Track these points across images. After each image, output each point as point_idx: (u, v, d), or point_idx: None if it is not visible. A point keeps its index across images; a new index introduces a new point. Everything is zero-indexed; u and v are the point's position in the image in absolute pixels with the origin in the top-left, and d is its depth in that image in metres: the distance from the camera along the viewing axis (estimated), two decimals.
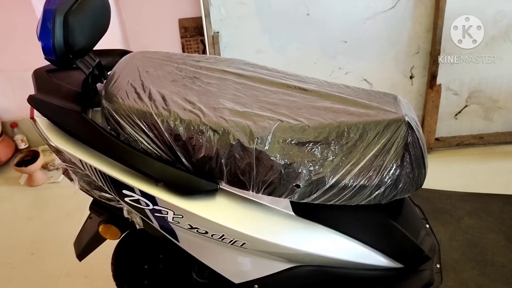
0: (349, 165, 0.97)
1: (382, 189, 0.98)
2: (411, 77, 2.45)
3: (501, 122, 2.54)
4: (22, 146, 2.84)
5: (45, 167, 2.69)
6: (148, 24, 2.85)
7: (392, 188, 0.99)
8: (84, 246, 1.35)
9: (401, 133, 0.98)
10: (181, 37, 2.88)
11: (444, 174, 2.36)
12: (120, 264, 1.46)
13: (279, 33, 2.39)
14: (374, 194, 0.99)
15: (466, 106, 2.49)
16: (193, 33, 2.86)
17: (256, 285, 1.12)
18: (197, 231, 1.01)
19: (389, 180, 0.98)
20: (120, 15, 2.80)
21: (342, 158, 0.97)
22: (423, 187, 1.52)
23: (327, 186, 0.96)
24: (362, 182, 0.97)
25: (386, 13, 2.30)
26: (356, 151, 0.97)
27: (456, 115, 2.52)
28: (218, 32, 2.38)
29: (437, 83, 2.37)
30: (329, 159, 0.96)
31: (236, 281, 1.13)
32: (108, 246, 1.42)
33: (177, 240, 1.09)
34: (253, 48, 2.43)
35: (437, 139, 2.53)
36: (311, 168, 0.95)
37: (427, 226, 1.35)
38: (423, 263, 1.18)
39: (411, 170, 1.00)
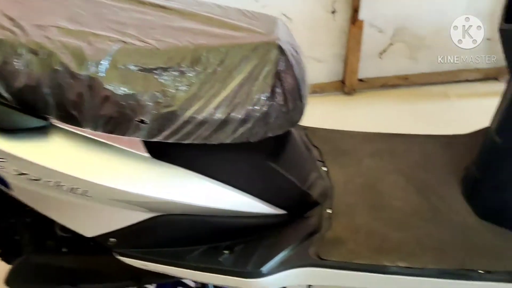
0: (207, 96, 0.81)
1: (248, 125, 0.83)
2: (333, 12, 2.28)
3: (426, 63, 2.44)
4: None
5: None
6: None
7: (261, 124, 0.84)
8: None
9: (271, 58, 0.83)
10: None
11: (367, 116, 2.28)
12: None
13: None
14: (240, 131, 0.83)
15: (391, 44, 2.38)
16: None
17: (113, 238, 0.97)
18: (27, 177, 0.84)
19: (256, 114, 0.83)
20: None
21: (198, 88, 0.80)
22: (323, 127, 1.39)
23: (180, 121, 0.80)
24: (223, 117, 0.81)
25: None
26: (216, 79, 0.81)
27: (381, 54, 2.40)
28: None
29: (360, 18, 2.22)
30: (183, 89, 0.80)
31: (88, 234, 0.97)
32: None
33: (8, 188, 0.91)
34: None
35: (360, 80, 2.42)
36: (160, 100, 0.79)
37: (324, 169, 1.24)
38: (310, 209, 1.07)
39: (284, 103, 0.85)
